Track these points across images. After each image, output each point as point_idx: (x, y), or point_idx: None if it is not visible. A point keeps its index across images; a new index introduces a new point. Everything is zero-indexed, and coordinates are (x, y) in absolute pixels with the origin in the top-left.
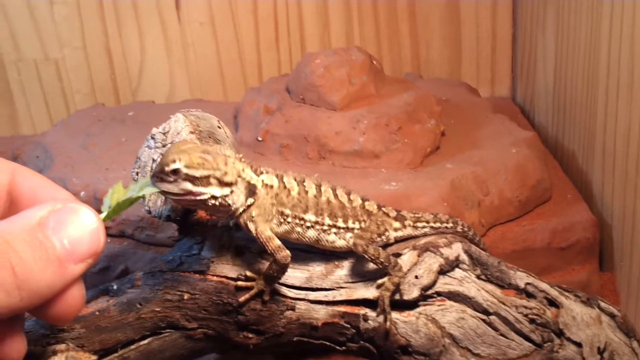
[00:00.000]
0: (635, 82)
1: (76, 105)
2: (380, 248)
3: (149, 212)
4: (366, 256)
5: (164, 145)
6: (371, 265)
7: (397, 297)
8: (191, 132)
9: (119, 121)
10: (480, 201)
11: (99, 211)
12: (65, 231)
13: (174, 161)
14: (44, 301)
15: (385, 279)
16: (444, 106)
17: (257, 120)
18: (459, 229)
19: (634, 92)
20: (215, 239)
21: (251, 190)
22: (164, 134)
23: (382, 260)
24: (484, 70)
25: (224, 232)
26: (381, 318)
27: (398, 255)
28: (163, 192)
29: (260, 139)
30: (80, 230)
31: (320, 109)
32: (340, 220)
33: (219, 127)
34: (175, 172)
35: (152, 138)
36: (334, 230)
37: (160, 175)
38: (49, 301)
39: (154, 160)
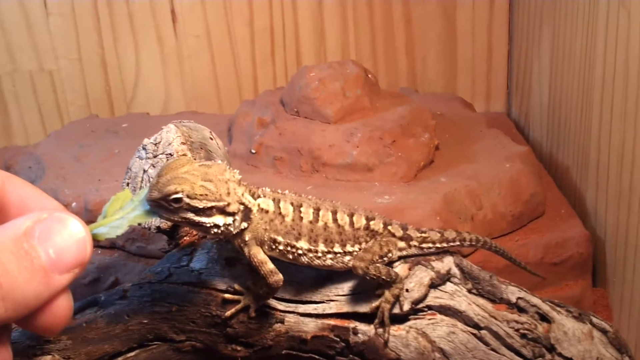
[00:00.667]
0: (629, 98)
1: (70, 116)
2: (380, 266)
3: (139, 223)
4: (367, 277)
5: (155, 156)
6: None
7: None
8: (182, 143)
9: (112, 133)
10: (473, 215)
11: (90, 222)
12: (51, 241)
13: (176, 191)
14: (30, 312)
15: (384, 290)
16: (438, 120)
17: (251, 132)
18: (466, 244)
19: (628, 109)
20: (205, 251)
21: (246, 215)
22: (155, 144)
23: (384, 277)
24: (479, 86)
25: (213, 244)
26: (380, 330)
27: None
28: (161, 217)
29: (253, 151)
30: (67, 240)
31: (314, 121)
32: (337, 245)
33: (211, 139)
34: (177, 201)
35: (144, 149)
36: (329, 256)
37: (159, 202)
38: (36, 312)
39: (144, 171)
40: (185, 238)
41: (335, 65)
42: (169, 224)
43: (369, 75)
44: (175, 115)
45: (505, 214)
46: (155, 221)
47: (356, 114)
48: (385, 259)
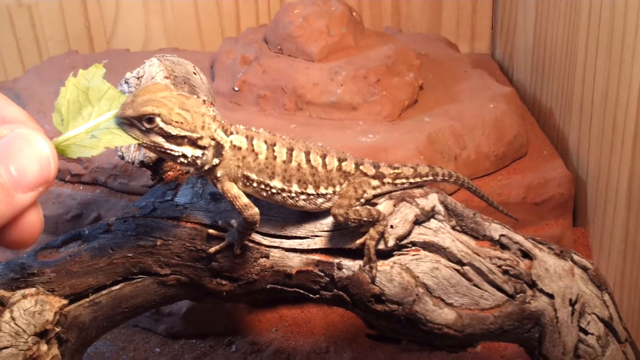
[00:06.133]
0: (614, 40)
1: (49, 52)
2: (359, 208)
3: (122, 157)
4: (349, 223)
5: None
6: None
7: None
8: (166, 77)
9: None
10: (456, 155)
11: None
12: (11, 158)
13: (153, 113)
14: None
15: (369, 227)
16: (423, 60)
17: (234, 70)
18: (439, 179)
19: (613, 50)
20: (189, 186)
21: (218, 151)
22: (137, 78)
23: (365, 219)
24: (464, 27)
25: (198, 179)
26: (367, 268)
27: (374, 204)
28: (130, 136)
29: (236, 89)
30: (29, 157)
31: (298, 59)
32: (310, 187)
33: (195, 74)
34: (150, 121)
35: (126, 82)
36: (302, 197)
37: (132, 120)
38: (3, 229)
39: None
40: (169, 173)
41: (319, 3)
42: (153, 158)
43: (354, 14)
44: (156, 51)
45: (489, 154)
46: (139, 155)
47: (340, 53)
48: (362, 200)
